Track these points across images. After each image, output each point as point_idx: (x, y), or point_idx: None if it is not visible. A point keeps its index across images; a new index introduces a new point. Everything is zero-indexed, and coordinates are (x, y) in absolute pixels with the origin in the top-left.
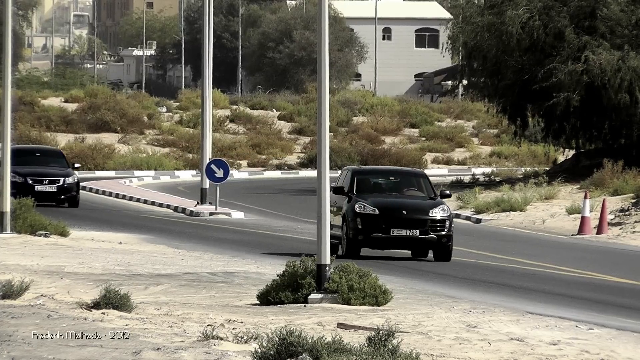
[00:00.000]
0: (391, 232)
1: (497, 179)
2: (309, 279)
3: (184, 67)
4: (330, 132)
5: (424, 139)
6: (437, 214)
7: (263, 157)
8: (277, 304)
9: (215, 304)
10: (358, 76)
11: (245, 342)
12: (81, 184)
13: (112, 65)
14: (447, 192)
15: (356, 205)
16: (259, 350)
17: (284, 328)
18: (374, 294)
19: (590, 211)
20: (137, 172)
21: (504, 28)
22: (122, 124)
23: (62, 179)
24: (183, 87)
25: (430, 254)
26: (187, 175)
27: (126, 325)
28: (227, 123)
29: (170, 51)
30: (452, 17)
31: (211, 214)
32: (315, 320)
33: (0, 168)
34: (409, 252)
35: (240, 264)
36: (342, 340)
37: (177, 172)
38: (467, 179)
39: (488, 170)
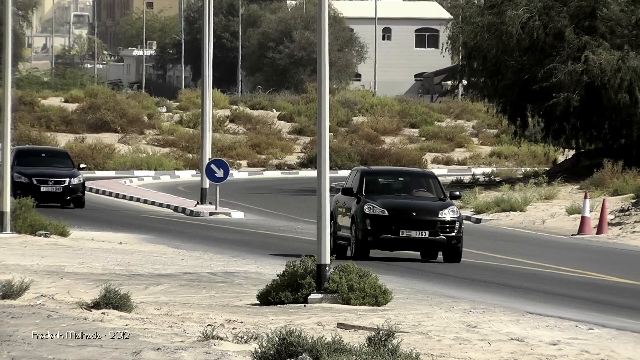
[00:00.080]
0: (400, 233)
1: (497, 179)
2: (308, 279)
3: (184, 67)
4: (330, 132)
5: (424, 139)
6: (446, 215)
7: (263, 157)
8: (277, 304)
9: (215, 304)
10: (358, 76)
11: (245, 342)
12: None
13: (112, 65)
14: (457, 193)
15: (365, 207)
16: (259, 350)
17: (284, 328)
18: (374, 294)
19: (590, 211)
20: (137, 172)
21: (504, 28)
22: (122, 124)
23: (67, 179)
24: (183, 87)
25: (440, 256)
26: (187, 175)
27: (126, 325)
28: (227, 123)
29: (170, 51)
30: (452, 17)
31: (211, 213)
32: (315, 320)
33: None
34: (418, 253)
35: (240, 264)
36: (342, 340)
37: (177, 172)
38: (467, 179)
39: (488, 170)
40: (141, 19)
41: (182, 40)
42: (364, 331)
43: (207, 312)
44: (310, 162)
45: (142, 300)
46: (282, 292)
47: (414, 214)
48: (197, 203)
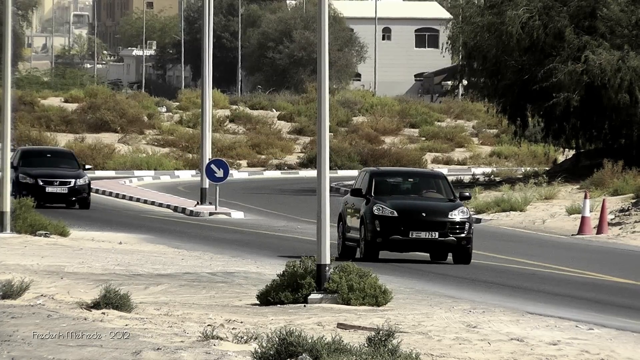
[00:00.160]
0: (410, 234)
1: (497, 179)
2: (308, 279)
3: (184, 67)
4: (330, 132)
5: (424, 139)
6: (456, 216)
7: (263, 157)
8: (277, 304)
9: (215, 304)
10: (358, 76)
11: (245, 342)
12: None
13: (112, 65)
14: (467, 193)
15: (374, 208)
16: (259, 350)
17: (284, 328)
18: (374, 294)
19: (590, 211)
20: (137, 172)
21: (504, 28)
22: (122, 124)
23: (73, 180)
24: (183, 87)
25: (450, 257)
26: (187, 175)
27: (126, 325)
28: (227, 123)
29: (170, 51)
30: (452, 17)
31: (211, 213)
32: (315, 320)
33: (14, 170)
34: (428, 254)
35: (240, 264)
36: (342, 340)
37: (177, 172)
38: (467, 179)
39: (488, 170)
40: (141, 19)
41: (182, 40)
42: (364, 331)
43: (207, 312)
44: (310, 162)
45: (142, 300)
46: (282, 292)
47: (424, 214)
48: (197, 203)
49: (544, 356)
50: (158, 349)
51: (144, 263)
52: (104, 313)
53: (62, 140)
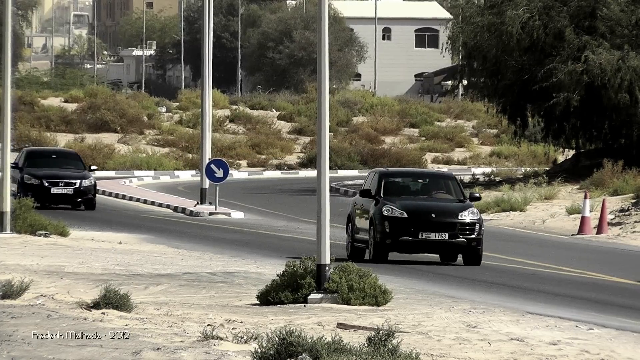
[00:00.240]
0: (420, 235)
1: (497, 179)
2: (308, 279)
3: (184, 67)
4: (330, 132)
5: (424, 139)
6: (466, 217)
7: (263, 157)
8: (277, 304)
9: (215, 304)
10: (358, 76)
11: (245, 342)
12: None
13: (112, 65)
14: (477, 194)
15: (384, 209)
16: (259, 350)
17: (284, 328)
18: (374, 294)
19: (590, 211)
20: (137, 172)
21: (504, 28)
22: (122, 124)
23: (78, 181)
24: (183, 87)
25: (460, 258)
26: (187, 175)
27: (126, 325)
28: (226, 123)
29: (170, 51)
30: (452, 17)
31: (211, 213)
32: (315, 320)
33: (20, 171)
34: (437, 256)
35: (240, 264)
36: (342, 340)
37: (176, 172)
38: (467, 179)
39: (488, 170)
40: (141, 19)
41: (182, 40)
42: (364, 331)
43: (207, 312)
44: (310, 162)
45: (142, 300)
46: (282, 292)
47: (433, 215)
48: (197, 203)
49: (544, 356)
50: (158, 349)
51: (144, 263)
52: (104, 313)
53: (62, 140)
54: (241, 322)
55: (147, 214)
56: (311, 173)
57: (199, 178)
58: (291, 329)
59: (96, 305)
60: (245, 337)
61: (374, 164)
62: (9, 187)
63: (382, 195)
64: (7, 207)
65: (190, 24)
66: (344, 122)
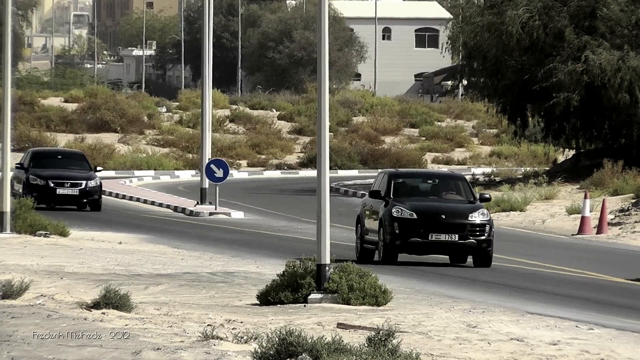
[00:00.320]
0: (429, 237)
1: (497, 179)
2: (308, 279)
3: (184, 67)
4: (330, 132)
5: (424, 138)
6: (476, 218)
7: (263, 157)
8: (277, 304)
9: (215, 304)
10: (358, 76)
11: (245, 342)
12: None
13: (112, 65)
14: (487, 195)
15: (393, 210)
16: (259, 350)
17: (284, 328)
18: (374, 294)
19: (590, 211)
20: (137, 172)
21: (504, 28)
22: (122, 124)
23: (84, 182)
24: (183, 87)
25: (470, 260)
26: (187, 175)
27: (126, 325)
28: (227, 123)
29: (170, 51)
30: (452, 17)
31: (211, 213)
32: (315, 320)
33: (25, 171)
34: (447, 257)
35: (240, 264)
36: (342, 340)
37: (177, 172)
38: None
39: (488, 170)
40: (141, 18)
41: (182, 40)
42: (364, 331)
43: (207, 312)
44: (310, 162)
45: (142, 300)
46: (282, 292)
47: (443, 217)
48: (197, 203)
49: (544, 356)
50: (158, 349)
51: (144, 263)
52: (104, 313)
53: (62, 140)
54: (241, 322)
55: (147, 214)
56: (311, 173)
57: (199, 178)
58: (291, 329)
59: (96, 305)
60: (245, 337)
61: (374, 164)
62: (9, 187)
63: (391, 196)
64: (7, 207)
65: (190, 24)
66: (344, 122)
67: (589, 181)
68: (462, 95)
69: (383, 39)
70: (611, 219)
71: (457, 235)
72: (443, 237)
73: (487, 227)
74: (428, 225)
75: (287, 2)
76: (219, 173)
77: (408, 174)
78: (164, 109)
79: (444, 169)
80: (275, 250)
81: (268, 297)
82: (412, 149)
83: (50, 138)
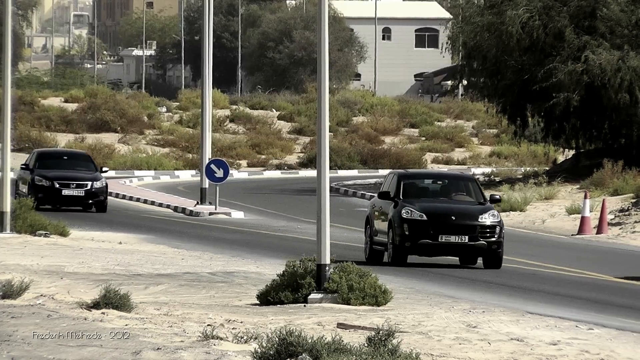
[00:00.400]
0: (439, 238)
1: (497, 179)
2: (308, 279)
3: (184, 67)
4: (330, 132)
5: (423, 139)
6: (486, 219)
7: (263, 157)
8: (277, 304)
9: (215, 304)
10: (358, 76)
11: (245, 342)
12: None
13: (112, 65)
14: (497, 196)
15: (403, 211)
16: (259, 350)
17: (284, 328)
18: (374, 294)
19: (590, 211)
20: (137, 172)
21: (503, 28)
22: (122, 124)
23: (89, 183)
24: (183, 87)
25: (479, 261)
26: (187, 175)
27: (126, 325)
28: (227, 123)
29: (170, 51)
30: (452, 17)
31: (211, 213)
32: (315, 320)
33: (30, 172)
34: (457, 259)
35: (240, 264)
36: (342, 340)
37: (177, 172)
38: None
39: (488, 170)
40: (141, 18)
41: (182, 40)
42: (364, 331)
43: (207, 312)
44: (310, 162)
45: (142, 300)
46: (282, 292)
47: (453, 218)
48: (197, 203)
49: (544, 356)
50: (158, 348)
51: (144, 263)
52: (104, 313)
53: (62, 140)
54: (241, 322)
55: (147, 213)
56: (311, 173)
57: (199, 178)
58: (291, 329)
59: (96, 305)
60: (245, 337)
61: (374, 164)
62: (9, 187)
63: (401, 197)
64: (7, 207)
65: (190, 24)
66: (344, 122)
67: (589, 181)
68: (462, 95)
69: (383, 39)
70: (611, 219)
71: (467, 237)
72: (453, 238)
73: (498, 229)
74: (438, 227)
75: (287, 2)
76: (219, 173)
77: (418, 175)
78: (164, 109)
79: (444, 169)
80: (275, 250)
81: (268, 297)
82: (412, 149)
83: (50, 138)
